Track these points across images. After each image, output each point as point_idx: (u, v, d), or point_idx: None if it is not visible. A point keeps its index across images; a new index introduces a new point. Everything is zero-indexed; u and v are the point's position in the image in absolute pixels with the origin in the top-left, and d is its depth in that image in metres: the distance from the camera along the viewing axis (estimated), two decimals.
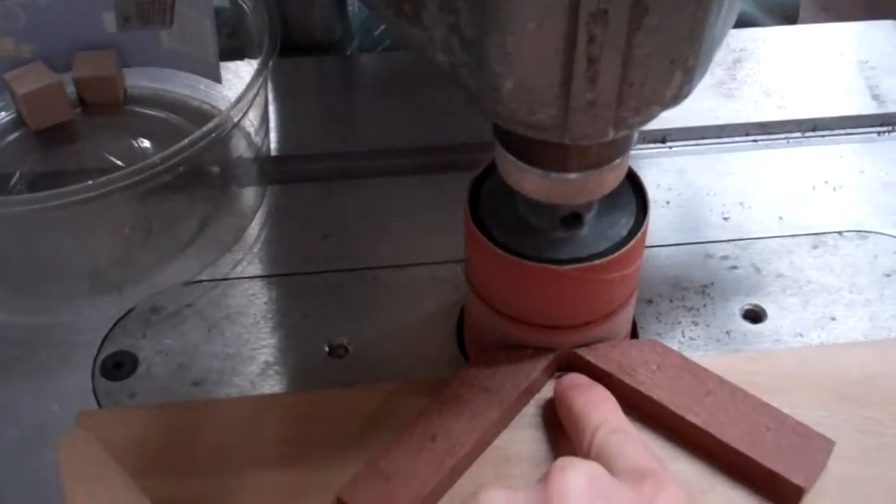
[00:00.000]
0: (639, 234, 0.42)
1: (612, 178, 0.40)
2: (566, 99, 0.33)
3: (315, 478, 0.41)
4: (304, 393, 0.45)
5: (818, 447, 0.41)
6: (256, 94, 0.50)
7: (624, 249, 0.41)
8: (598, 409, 0.41)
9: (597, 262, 0.41)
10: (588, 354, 0.44)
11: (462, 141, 0.58)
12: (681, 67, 0.33)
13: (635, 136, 0.39)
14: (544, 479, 0.35)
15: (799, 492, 0.40)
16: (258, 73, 0.50)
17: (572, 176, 0.38)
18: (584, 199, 0.40)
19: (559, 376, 0.45)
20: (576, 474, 0.35)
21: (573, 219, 0.42)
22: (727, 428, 0.42)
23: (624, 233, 0.42)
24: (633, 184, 0.43)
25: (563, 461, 0.36)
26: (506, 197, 0.42)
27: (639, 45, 0.32)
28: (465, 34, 0.33)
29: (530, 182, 0.39)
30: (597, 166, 0.38)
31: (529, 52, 0.32)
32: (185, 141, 0.45)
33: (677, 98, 0.35)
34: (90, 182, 0.42)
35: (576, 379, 0.43)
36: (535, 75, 0.33)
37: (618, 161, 0.39)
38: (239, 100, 0.48)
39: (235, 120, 0.49)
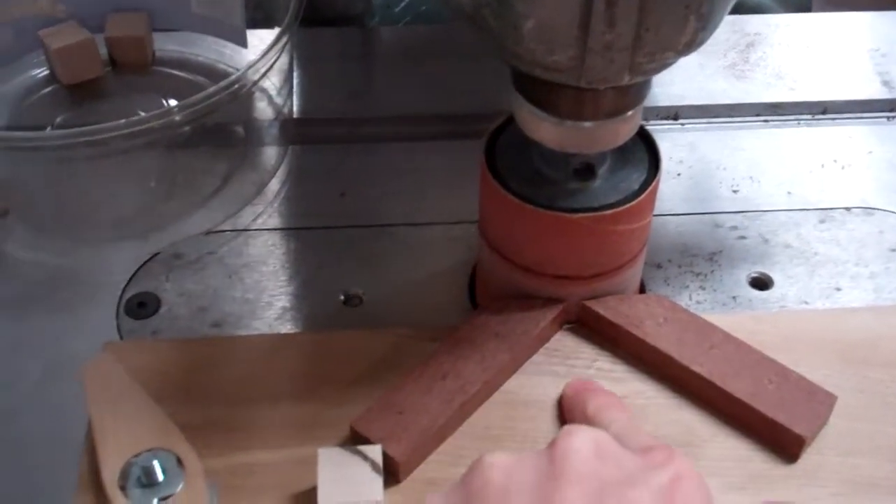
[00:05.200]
0: (649, 189, 0.43)
1: (625, 129, 0.41)
2: (584, 40, 0.35)
3: (327, 413, 0.42)
4: (320, 333, 0.47)
5: (820, 400, 0.42)
6: (278, 57, 0.52)
7: (634, 202, 0.42)
8: (610, 411, 0.41)
9: (607, 212, 0.42)
10: (597, 306, 0.45)
11: (477, 111, 0.59)
12: (695, 13, 0.35)
13: (648, 88, 0.40)
14: (551, 443, 0.35)
15: (800, 442, 0.41)
16: (279, 36, 0.52)
17: (587, 124, 0.40)
18: (598, 148, 0.41)
19: (568, 328, 0.46)
20: (582, 438, 0.34)
21: (586, 171, 0.43)
22: (731, 380, 0.43)
23: (635, 187, 0.43)
24: (646, 142, 0.45)
25: (572, 427, 0.35)
26: (521, 149, 0.44)
27: None
28: None
29: (546, 130, 0.40)
30: (611, 115, 0.40)
31: None
32: (204, 92, 0.47)
33: (691, 45, 0.36)
34: (119, 122, 0.44)
35: (586, 384, 0.43)
36: (555, 15, 0.34)
37: (630, 113, 0.40)
38: (258, 60, 0.50)
39: (254, 79, 0.50)
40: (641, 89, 0.40)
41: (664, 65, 0.37)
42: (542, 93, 0.39)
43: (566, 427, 0.35)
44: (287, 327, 0.48)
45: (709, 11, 0.35)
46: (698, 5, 0.35)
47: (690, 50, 0.37)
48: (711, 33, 0.37)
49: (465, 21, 0.38)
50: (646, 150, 0.44)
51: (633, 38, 0.35)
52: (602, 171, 0.43)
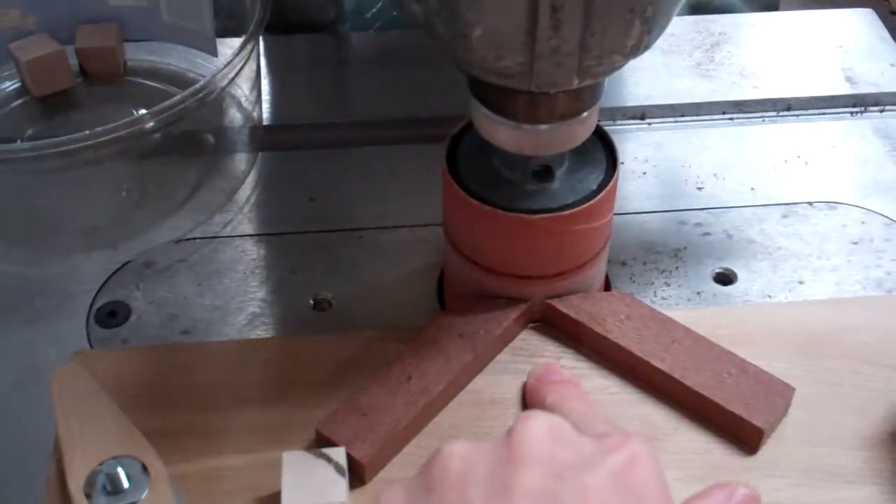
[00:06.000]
0: (607, 188, 0.44)
1: (580, 131, 0.42)
2: (532, 46, 0.36)
3: (296, 416, 0.43)
4: (287, 338, 0.47)
5: (778, 392, 0.43)
6: (244, 63, 0.52)
7: (592, 202, 0.43)
8: (570, 402, 0.41)
9: (565, 212, 0.43)
10: (560, 305, 0.46)
11: (445, 114, 0.60)
12: (640, 17, 0.36)
13: (602, 90, 0.41)
14: (509, 429, 0.35)
15: (759, 433, 0.42)
16: (244, 42, 0.52)
17: (542, 127, 0.40)
18: (554, 150, 0.42)
19: (533, 327, 0.47)
20: (538, 422, 0.35)
21: (545, 172, 0.44)
22: (691, 374, 0.44)
23: (593, 187, 0.44)
24: (604, 142, 0.45)
25: (529, 412, 0.36)
26: (481, 152, 0.44)
27: None
28: None
29: (502, 134, 0.41)
30: (565, 118, 0.40)
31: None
32: (171, 100, 0.47)
33: (638, 48, 0.37)
34: (87, 132, 0.45)
35: (549, 375, 0.44)
36: (501, 22, 0.35)
37: (586, 114, 0.41)
38: (224, 66, 0.50)
39: (222, 85, 0.51)
40: (594, 91, 0.40)
41: (613, 67, 0.38)
42: (496, 97, 0.40)
43: (523, 413, 0.36)
44: (257, 333, 0.49)
45: (654, 15, 0.36)
46: (642, 9, 0.35)
47: (638, 52, 0.37)
48: (659, 35, 0.38)
49: (420, 29, 0.38)
50: (603, 151, 0.45)
51: (580, 42, 0.35)
52: (560, 172, 0.44)
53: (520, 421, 0.35)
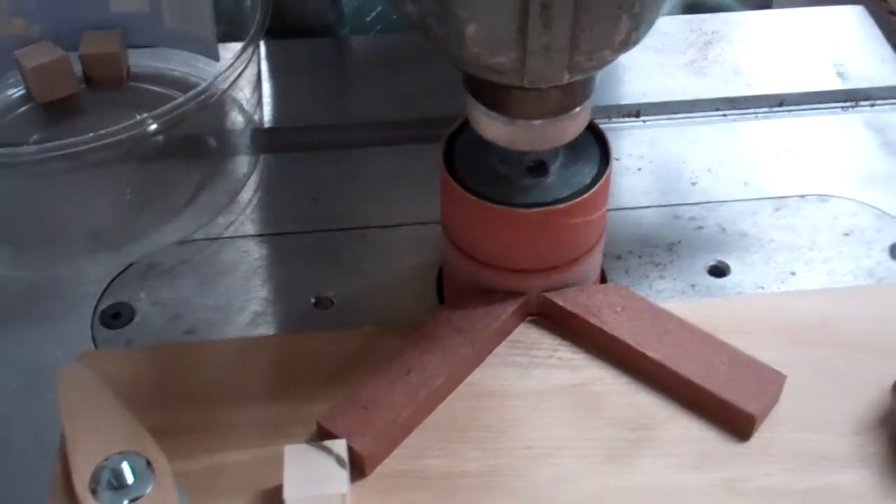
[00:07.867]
0: (600, 183, 0.45)
1: (573, 126, 0.43)
2: (523, 42, 0.37)
3: (297, 411, 0.44)
4: (289, 335, 0.48)
5: (770, 379, 0.44)
6: (245, 67, 0.53)
7: (586, 195, 0.44)
8: None
9: (560, 206, 0.44)
10: (556, 297, 0.47)
11: (443, 115, 0.61)
12: (627, 13, 0.37)
13: (594, 84, 0.42)
14: None
15: (752, 420, 0.43)
16: (245, 46, 0.53)
17: (536, 122, 0.41)
18: (548, 145, 0.43)
19: (531, 320, 0.48)
20: None
21: (539, 167, 0.45)
22: (684, 363, 0.44)
23: (587, 181, 0.45)
24: (597, 138, 0.46)
25: None
26: (478, 149, 0.45)
27: None
28: None
29: (497, 129, 0.42)
30: (558, 113, 0.41)
31: None
32: (173, 103, 0.48)
33: (626, 44, 0.38)
34: (90, 135, 0.46)
35: None
36: (494, 19, 0.36)
37: (578, 109, 0.42)
38: (226, 69, 0.51)
39: (223, 88, 0.52)
40: (586, 87, 0.41)
41: (603, 63, 0.39)
42: (490, 94, 0.41)
43: None
44: (259, 331, 0.50)
45: (641, 10, 0.37)
46: (630, 6, 0.36)
47: (627, 48, 0.38)
48: (647, 31, 0.39)
49: (415, 29, 0.39)
50: (597, 145, 0.46)
51: (570, 38, 0.36)
52: (555, 167, 0.45)
53: None
